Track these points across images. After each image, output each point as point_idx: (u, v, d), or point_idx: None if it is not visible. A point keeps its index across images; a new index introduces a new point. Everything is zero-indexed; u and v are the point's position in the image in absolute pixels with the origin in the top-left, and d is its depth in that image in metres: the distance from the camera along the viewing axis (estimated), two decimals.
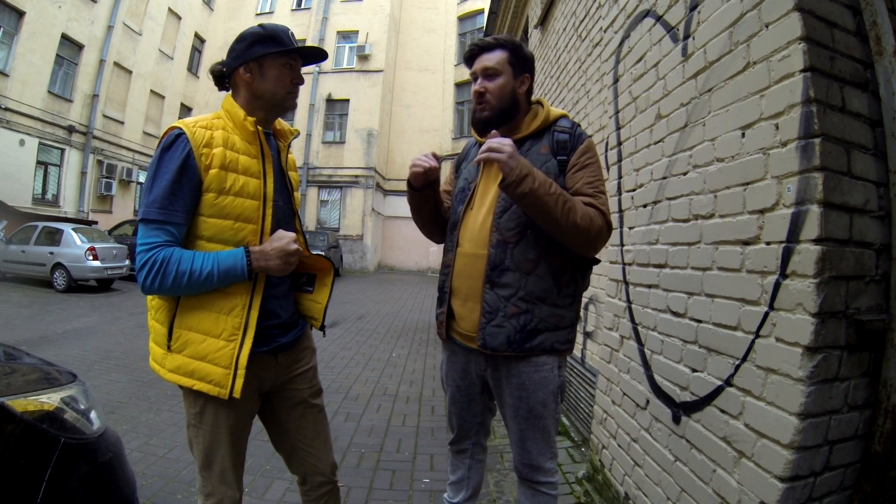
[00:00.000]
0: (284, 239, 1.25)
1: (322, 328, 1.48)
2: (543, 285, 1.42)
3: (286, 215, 1.40)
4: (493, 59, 1.47)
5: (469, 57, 1.53)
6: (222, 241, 1.24)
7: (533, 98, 1.57)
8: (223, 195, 1.23)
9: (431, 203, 1.61)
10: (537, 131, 1.49)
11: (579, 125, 1.51)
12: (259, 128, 1.30)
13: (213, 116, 1.31)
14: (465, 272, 1.49)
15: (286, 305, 1.41)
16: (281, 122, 1.45)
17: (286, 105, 1.36)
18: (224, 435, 1.30)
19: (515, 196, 1.33)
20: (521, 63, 1.48)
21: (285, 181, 1.43)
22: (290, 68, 1.33)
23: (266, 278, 1.30)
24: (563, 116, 1.51)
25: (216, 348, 1.23)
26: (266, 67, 1.30)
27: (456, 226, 1.54)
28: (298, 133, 1.52)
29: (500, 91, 1.46)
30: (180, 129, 1.21)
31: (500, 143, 1.32)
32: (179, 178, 1.18)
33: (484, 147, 1.33)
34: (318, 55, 1.40)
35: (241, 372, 1.23)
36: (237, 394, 1.23)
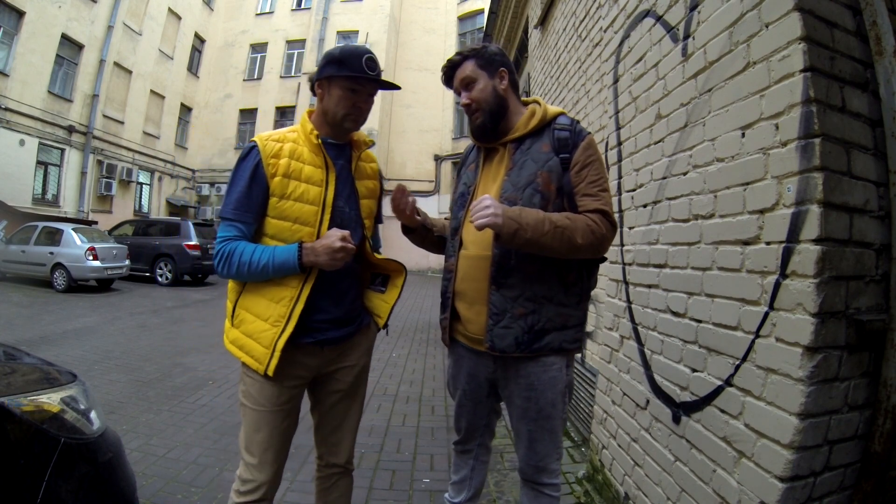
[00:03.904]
0: (332, 237, 1.34)
1: (385, 327, 1.60)
2: (549, 285, 1.42)
3: (352, 221, 1.48)
4: (465, 70, 1.50)
5: (445, 80, 1.57)
6: (282, 239, 1.40)
7: (529, 97, 1.58)
8: (284, 200, 1.39)
9: (431, 236, 1.67)
10: (536, 129, 1.49)
11: (578, 122, 1.52)
12: (320, 140, 1.42)
13: (290, 130, 1.48)
14: (470, 275, 1.48)
15: (343, 303, 1.49)
16: (359, 133, 1.54)
17: (344, 125, 1.45)
18: (266, 413, 1.41)
19: (513, 247, 1.37)
20: (490, 62, 1.50)
21: (354, 189, 1.50)
22: (354, 92, 1.41)
23: (321, 278, 1.40)
24: (562, 114, 1.52)
25: (262, 329, 1.38)
26: (333, 87, 1.42)
27: (457, 230, 1.54)
28: (373, 143, 1.61)
29: (483, 94, 1.48)
30: (255, 142, 1.42)
31: (482, 206, 1.31)
32: (250, 183, 1.38)
33: (474, 216, 1.33)
34: (388, 85, 1.47)
35: (277, 354, 1.36)
36: (271, 372, 1.36)
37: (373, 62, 1.40)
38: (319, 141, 1.41)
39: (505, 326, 1.41)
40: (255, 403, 1.42)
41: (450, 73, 1.54)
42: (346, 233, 1.35)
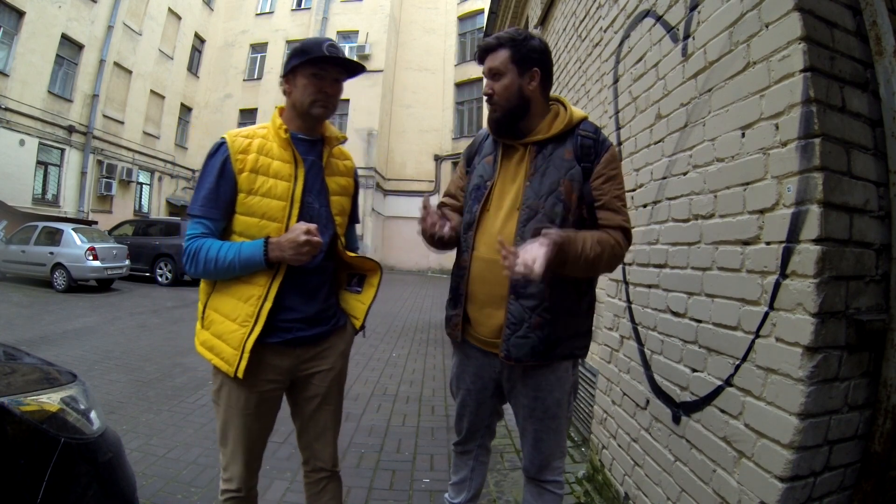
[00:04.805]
0: (296, 231, 1.31)
1: (362, 328, 1.58)
2: (566, 295, 1.41)
3: (322, 217, 1.45)
4: (497, 59, 1.43)
5: (478, 58, 1.51)
6: (249, 236, 1.38)
7: (553, 95, 1.52)
8: (251, 195, 1.37)
9: (454, 240, 1.57)
10: (560, 134, 1.44)
11: (600, 129, 1.48)
12: (289, 135, 1.40)
13: (261, 126, 1.46)
14: (482, 277, 1.45)
15: (315, 302, 1.46)
16: (330, 128, 1.51)
17: (312, 112, 1.41)
18: (235, 415, 1.41)
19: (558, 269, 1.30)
20: (526, 59, 1.41)
21: (324, 185, 1.47)
22: (318, 78, 1.38)
23: (290, 275, 1.37)
24: (585, 119, 1.47)
25: (231, 330, 1.37)
26: (298, 77, 1.40)
27: (471, 226, 1.49)
28: (345, 138, 1.58)
29: (506, 92, 1.43)
30: (224, 138, 1.39)
31: (528, 258, 1.20)
32: (218, 180, 1.36)
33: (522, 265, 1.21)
34: (350, 66, 1.42)
35: (246, 355, 1.34)
36: (241, 374, 1.34)
37: (334, 48, 1.38)
38: (288, 135, 1.39)
39: (522, 336, 1.39)
40: (224, 405, 1.42)
41: (483, 56, 1.47)
42: (312, 226, 1.31)
